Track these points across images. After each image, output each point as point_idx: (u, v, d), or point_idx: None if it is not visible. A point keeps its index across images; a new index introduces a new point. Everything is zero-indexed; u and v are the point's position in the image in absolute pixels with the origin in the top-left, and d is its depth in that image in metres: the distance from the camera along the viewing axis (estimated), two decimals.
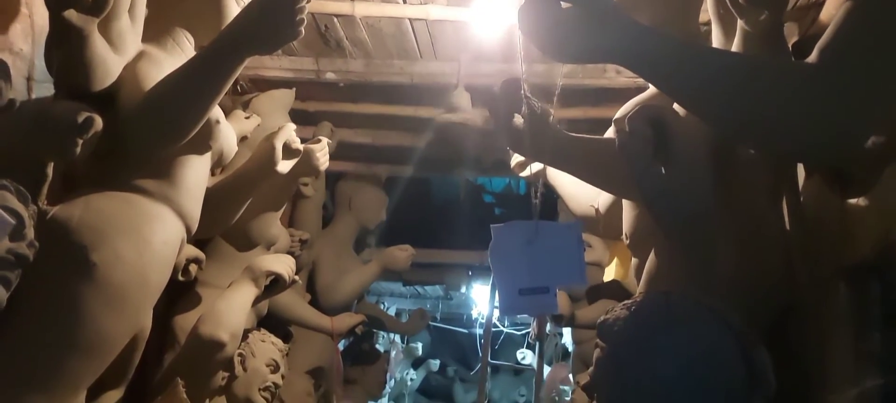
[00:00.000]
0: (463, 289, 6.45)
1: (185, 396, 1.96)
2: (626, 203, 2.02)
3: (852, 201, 1.54)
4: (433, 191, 6.17)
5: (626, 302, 1.34)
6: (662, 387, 1.20)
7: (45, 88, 1.88)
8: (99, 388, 2.07)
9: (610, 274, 2.93)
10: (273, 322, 3.27)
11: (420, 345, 7.10)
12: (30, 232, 1.32)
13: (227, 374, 2.40)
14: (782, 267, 1.68)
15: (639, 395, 1.22)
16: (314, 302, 3.91)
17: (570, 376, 4.79)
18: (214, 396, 2.38)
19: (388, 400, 6.91)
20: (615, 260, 2.92)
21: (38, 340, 1.65)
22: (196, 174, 2.03)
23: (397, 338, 6.46)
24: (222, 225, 2.41)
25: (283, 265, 2.44)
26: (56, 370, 1.65)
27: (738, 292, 1.50)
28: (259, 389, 2.48)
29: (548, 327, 5.83)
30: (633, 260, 2.11)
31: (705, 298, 1.30)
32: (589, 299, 3.86)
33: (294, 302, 3.59)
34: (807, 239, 1.65)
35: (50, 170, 1.71)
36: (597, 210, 2.39)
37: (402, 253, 4.16)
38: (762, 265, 1.67)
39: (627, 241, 2.05)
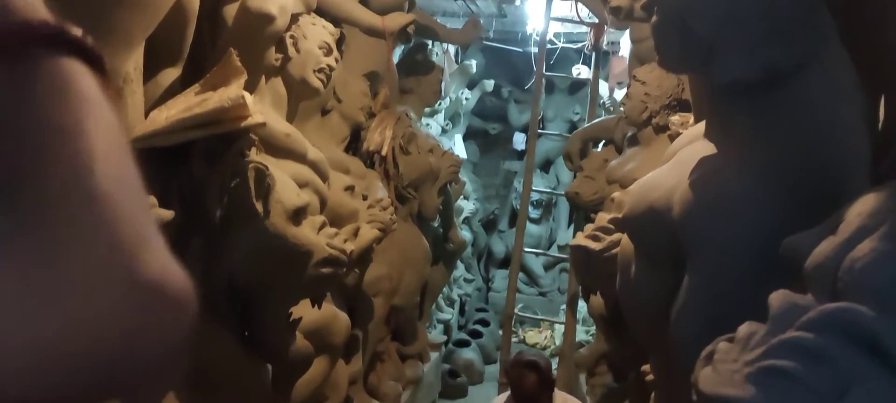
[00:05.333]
0: (517, 2, 6.20)
1: (238, 64, 1.96)
2: None
3: None
4: None
5: None
6: None
7: None
8: (156, 66, 2.11)
9: None
10: None
11: (474, 64, 6.96)
12: None
13: (280, 55, 2.38)
14: None
15: None
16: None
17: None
18: (271, 77, 2.39)
19: (444, 118, 6.97)
20: None
21: None
22: None
23: (451, 51, 6.35)
24: None
25: None
26: (105, 22, 1.65)
27: None
28: (313, 70, 2.47)
29: (604, 40, 5.68)
30: None
31: None
32: None
33: None
34: None
35: None
36: None
37: None
38: None
39: None
